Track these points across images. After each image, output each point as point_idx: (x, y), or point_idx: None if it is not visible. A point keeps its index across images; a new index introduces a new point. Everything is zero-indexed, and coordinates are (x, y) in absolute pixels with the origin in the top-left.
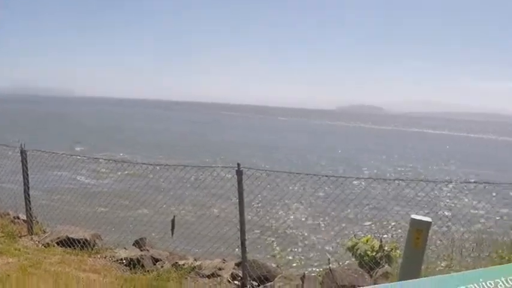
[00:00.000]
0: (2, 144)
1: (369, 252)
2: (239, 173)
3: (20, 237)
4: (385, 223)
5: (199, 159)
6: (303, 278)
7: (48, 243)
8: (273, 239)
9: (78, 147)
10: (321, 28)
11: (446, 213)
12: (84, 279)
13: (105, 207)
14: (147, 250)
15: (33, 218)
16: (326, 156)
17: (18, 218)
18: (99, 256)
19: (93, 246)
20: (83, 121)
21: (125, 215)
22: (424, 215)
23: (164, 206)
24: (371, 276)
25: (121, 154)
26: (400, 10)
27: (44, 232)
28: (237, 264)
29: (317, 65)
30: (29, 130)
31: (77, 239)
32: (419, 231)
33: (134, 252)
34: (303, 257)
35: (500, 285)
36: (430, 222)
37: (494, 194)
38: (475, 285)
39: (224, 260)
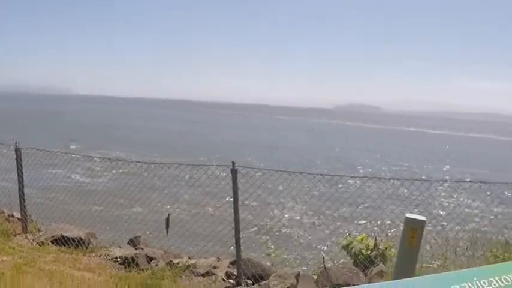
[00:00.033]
0: None
1: (363, 251)
2: (234, 171)
3: (15, 235)
4: (379, 222)
5: (195, 157)
6: (297, 276)
7: (42, 242)
8: (268, 238)
9: (74, 145)
10: (320, 28)
11: (441, 212)
12: (78, 277)
13: (100, 205)
14: (142, 249)
15: (28, 216)
16: (322, 155)
17: (13, 216)
18: (93, 255)
19: (88, 244)
20: (79, 119)
21: (120, 214)
22: (419, 214)
23: (159, 204)
24: (365, 274)
25: (117, 152)
26: (399, 10)
27: (39, 230)
28: (232, 263)
29: (316, 64)
30: (24, 128)
31: (71, 238)
32: (413, 230)
33: (129, 251)
34: (297, 256)
35: (494, 284)
36: (425, 221)
37: (489, 193)
38: (469, 284)
39: (219, 259)
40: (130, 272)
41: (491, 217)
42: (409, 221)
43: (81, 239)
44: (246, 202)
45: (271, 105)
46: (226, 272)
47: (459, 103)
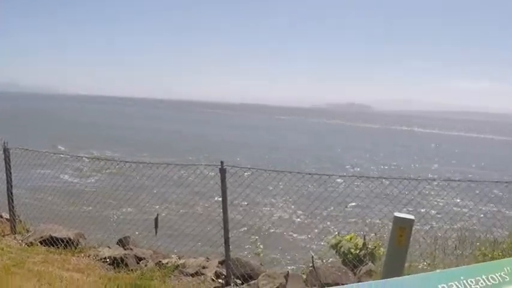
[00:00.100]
0: None
1: (352, 250)
2: (222, 171)
3: (3, 236)
4: (368, 221)
5: (184, 157)
6: (286, 276)
7: (31, 242)
8: (257, 237)
9: (63, 145)
10: (320, 28)
11: (429, 211)
12: (67, 278)
13: (89, 205)
14: (131, 249)
15: (17, 217)
16: (311, 154)
17: (1, 216)
18: (82, 255)
19: (77, 245)
20: (73, 119)
21: (109, 214)
22: (407, 213)
23: (148, 204)
24: (355, 274)
25: (107, 152)
26: (398, 10)
27: (27, 231)
28: (221, 263)
29: (311, 64)
30: (13, 128)
31: (60, 238)
32: (402, 229)
33: (118, 251)
34: (287, 255)
35: (481, 283)
36: (413, 220)
37: (477, 192)
38: (456, 283)
39: (208, 259)
40: (119, 272)
41: (480, 216)
42: (397, 220)
43: (70, 239)
44: (235, 202)
45: (270, 105)
46: (216, 272)
47: (458, 103)
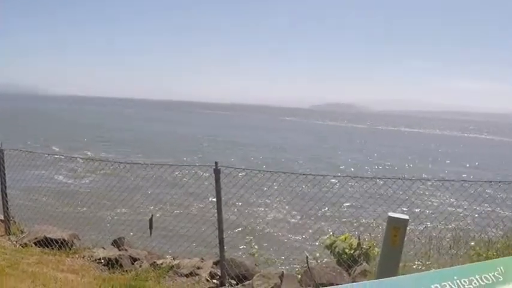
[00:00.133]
0: None
1: (347, 250)
2: (216, 171)
3: None
4: (363, 221)
5: (178, 158)
6: (281, 276)
7: (25, 244)
8: (252, 238)
9: (57, 146)
10: (317, 28)
11: (423, 211)
12: (62, 279)
13: (83, 206)
14: (126, 250)
15: (11, 218)
16: (307, 154)
17: None
18: (77, 256)
19: (71, 246)
20: (67, 120)
21: (103, 215)
22: (402, 213)
23: (142, 205)
24: (349, 274)
25: (102, 154)
26: (397, 10)
27: (22, 232)
28: (215, 263)
29: (310, 65)
30: (9, 128)
31: (54, 239)
32: (396, 228)
33: (112, 252)
34: (281, 255)
35: (475, 283)
36: (407, 220)
37: (471, 192)
38: (450, 283)
39: (202, 259)
40: (114, 273)
41: (475, 215)
42: (391, 220)
43: (64, 240)
44: (230, 202)
45: (270, 105)
46: (210, 273)
47: (458, 104)
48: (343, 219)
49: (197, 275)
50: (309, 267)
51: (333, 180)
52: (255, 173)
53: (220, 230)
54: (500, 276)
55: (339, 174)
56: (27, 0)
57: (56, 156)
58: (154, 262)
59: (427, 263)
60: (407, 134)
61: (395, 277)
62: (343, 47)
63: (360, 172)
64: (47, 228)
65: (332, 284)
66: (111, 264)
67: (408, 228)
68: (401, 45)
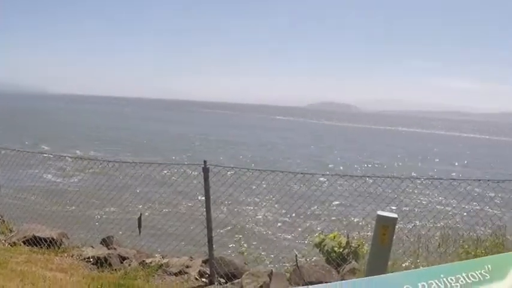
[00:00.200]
0: None
1: (336, 249)
2: (205, 170)
3: None
4: (352, 219)
5: (168, 157)
6: (270, 274)
7: (14, 242)
8: (241, 236)
9: (47, 145)
10: (317, 28)
11: (412, 209)
12: (50, 278)
13: (72, 205)
14: (115, 248)
15: (0, 217)
16: (295, 153)
17: None
18: (66, 255)
19: (60, 245)
20: (59, 118)
21: (92, 213)
22: (390, 212)
23: (131, 204)
24: (338, 272)
25: (91, 152)
26: (393, 10)
27: (11, 231)
28: (204, 262)
29: (310, 65)
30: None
31: (43, 238)
32: (385, 227)
33: (101, 251)
34: (270, 254)
35: (461, 281)
36: (396, 218)
37: (460, 190)
38: (436, 281)
39: (191, 258)
40: (103, 272)
41: (463, 214)
42: (380, 219)
43: (53, 239)
44: (219, 201)
45: (269, 105)
46: (199, 271)
47: (457, 104)
48: (333, 218)
49: (186, 273)
50: (298, 266)
51: (321, 179)
52: (243, 171)
53: (209, 229)
54: (487, 274)
55: (328, 172)
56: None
57: (45, 154)
58: (143, 261)
59: (417, 261)
60: (404, 134)
61: (383, 275)
62: (342, 47)
63: (350, 171)
64: (35, 227)
65: (321, 283)
66: (100, 263)
67: (397, 226)
68: (400, 45)
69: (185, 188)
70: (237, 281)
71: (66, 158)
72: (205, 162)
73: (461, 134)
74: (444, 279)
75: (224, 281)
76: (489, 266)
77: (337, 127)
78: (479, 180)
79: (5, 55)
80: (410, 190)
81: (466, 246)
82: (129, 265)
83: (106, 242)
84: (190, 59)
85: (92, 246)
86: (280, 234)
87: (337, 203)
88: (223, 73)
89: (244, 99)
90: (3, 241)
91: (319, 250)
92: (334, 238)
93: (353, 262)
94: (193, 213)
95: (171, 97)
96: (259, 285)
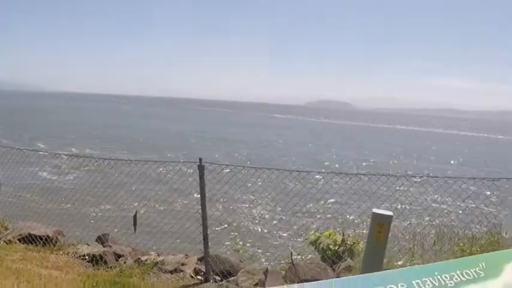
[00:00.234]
0: None
1: (331, 246)
2: (201, 167)
3: None
4: (347, 217)
5: (163, 154)
6: (266, 272)
7: (10, 240)
8: (236, 234)
9: (43, 143)
10: (317, 28)
11: (408, 207)
12: (46, 276)
13: (67, 203)
14: (110, 246)
15: None
16: (291, 151)
17: None
18: (61, 252)
19: (56, 242)
20: (55, 116)
21: (87, 211)
22: (386, 209)
23: (126, 201)
24: (334, 270)
25: (87, 150)
26: (393, 9)
27: (6, 229)
28: (200, 259)
29: (309, 64)
30: None
31: (39, 236)
32: (380, 225)
33: (97, 249)
34: (266, 252)
35: (456, 279)
36: (392, 216)
37: (455, 188)
38: (431, 278)
39: (187, 255)
40: (98, 269)
41: (459, 212)
42: (376, 216)
43: (48, 237)
44: (214, 198)
45: (268, 103)
46: (195, 269)
47: (455, 102)
48: (328, 215)
49: (181, 271)
50: (293, 263)
51: (317, 177)
52: (239, 169)
53: (205, 226)
54: (482, 272)
55: (324, 170)
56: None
57: (41, 152)
58: (139, 258)
59: (412, 259)
60: (402, 132)
61: (377, 272)
62: (341, 46)
63: (346, 169)
64: (31, 225)
65: (316, 280)
66: (95, 260)
67: (392, 224)
68: (399, 44)
69: (180, 186)
70: (232, 278)
71: (62, 155)
72: (200, 159)
73: (459, 132)
74: (438, 276)
75: (219, 278)
76: (483, 263)
77: (334, 125)
78: (475, 178)
79: (4, 54)
80: (406, 188)
81: (461, 244)
82: (125, 263)
83: (101, 240)
84: (190, 58)
85: (88, 244)
86: (275, 232)
87: (332, 200)
88: (222, 72)
89: (243, 98)
90: None
91: (315, 248)
92: (330, 236)
93: (348, 260)
94: (189, 211)
95: (171, 95)
96: (254, 282)
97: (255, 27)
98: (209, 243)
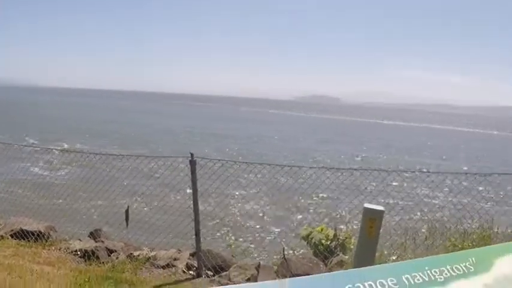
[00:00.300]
0: None
1: (323, 241)
2: (192, 162)
3: None
4: (339, 212)
5: (154, 149)
6: (258, 267)
7: (1, 236)
8: (228, 229)
9: (33, 138)
10: (315, 26)
11: (399, 202)
12: (38, 271)
13: (59, 198)
14: (102, 241)
15: None
16: (282, 146)
17: None
18: (53, 248)
19: (48, 238)
20: (46, 111)
21: (79, 206)
22: (378, 204)
23: (118, 196)
24: (326, 265)
25: (78, 145)
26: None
27: None
28: (192, 255)
29: (307, 60)
30: None
31: (31, 231)
32: (372, 220)
33: (89, 244)
34: (258, 247)
35: (446, 274)
36: (383, 211)
37: (448, 183)
38: (420, 273)
39: (179, 251)
40: (90, 265)
41: (451, 207)
42: (367, 211)
43: (40, 232)
44: (206, 193)
45: (263, 98)
46: (187, 264)
47: (446, 97)
48: (320, 211)
49: (174, 266)
50: (285, 258)
51: (309, 172)
52: (230, 164)
53: (197, 222)
54: (472, 267)
55: (315, 165)
56: None
57: (31, 147)
58: (131, 254)
59: (404, 253)
60: (396, 127)
61: (366, 267)
62: (337, 43)
63: (338, 164)
64: (23, 220)
65: (308, 275)
66: (87, 256)
67: (384, 219)
68: (395, 40)
69: (172, 181)
70: (224, 273)
71: (53, 150)
72: (192, 154)
73: (454, 128)
74: (428, 271)
75: (212, 273)
76: (473, 258)
77: (327, 120)
78: (467, 173)
79: None
80: (397, 183)
81: (453, 239)
82: (117, 258)
83: (94, 235)
84: (185, 55)
85: (80, 239)
86: (267, 227)
87: (324, 195)
88: (216, 67)
89: (237, 93)
90: None
91: (307, 243)
92: (322, 231)
93: (340, 255)
94: (181, 206)
95: (164, 90)
96: (246, 277)
97: (252, 25)
98: (201, 238)
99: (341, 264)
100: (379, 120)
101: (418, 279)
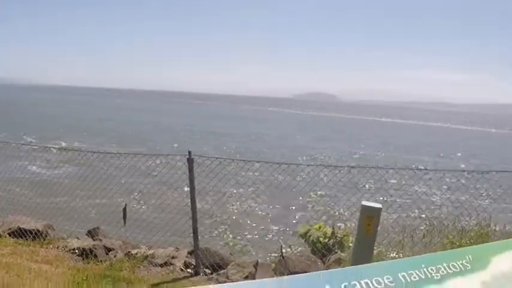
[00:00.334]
0: None
1: (321, 239)
2: (190, 160)
3: None
4: (337, 209)
5: (152, 147)
6: (256, 265)
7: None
8: (226, 227)
9: (31, 136)
10: (313, 23)
11: (397, 200)
12: (36, 270)
13: (57, 197)
14: (100, 240)
15: None
16: (280, 143)
17: None
18: (51, 246)
19: (46, 236)
20: (44, 110)
21: (77, 205)
22: (375, 202)
23: (115, 195)
24: (324, 262)
25: (76, 143)
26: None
27: None
28: (190, 253)
29: (304, 58)
30: None
31: (29, 230)
32: (370, 217)
33: (87, 242)
34: (256, 245)
35: (442, 271)
36: (381, 209)
37: (446, 181)
38: (417, 271)
39: (177, 249)
40: (88, 263)
41: (448, 204)
42: (365, 209)
43: (38, 230)
44: (204, 191)
45: (260, 96)
46: (185, 262)
47: (443, 95)
48: (318, 208)
49: (172, 264)
50: (283, 256)
51: (307, 169)
52: (228, 161)
53: (194, 220)
54: (468, 265)
55: (313, 163)
56: None
57: (29, 145)
58: (129, 252)
59: (402, 251)
60: (393, 125)
61: (363, 265)
62: (333, 40)
63: (336, 161)
64: (21, 219)
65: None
66: (85, 254)
67: (382, 217)
68: (391, 39)
69: (170, 179)
70: (222, 271)
71: (51, 149)
72: (189, 152)
73: (452, 126)
74: (425, 269)
75: (210, 271)
76: (470, 256)
77: (324, 118)
78: (464, 171)
79: None
80: (395, 181)
81: (451, 237)
82: (115, 256)
83: (92, 234)
84: (185, 54)
85: (78, 238)
86: (265, 225)
87: (322, 193)
88: (215, 66)
89: (235, 91)
90: None
91: (305, 240)
92: (320, 228)
93: (338, 252)
94: (179, 204)
95: (164, 89)
96: (244, 275)
97: (252, 25)
98: (199, 237)
99: (339, 262)
100: (376, 117)
101: (415, 277)
